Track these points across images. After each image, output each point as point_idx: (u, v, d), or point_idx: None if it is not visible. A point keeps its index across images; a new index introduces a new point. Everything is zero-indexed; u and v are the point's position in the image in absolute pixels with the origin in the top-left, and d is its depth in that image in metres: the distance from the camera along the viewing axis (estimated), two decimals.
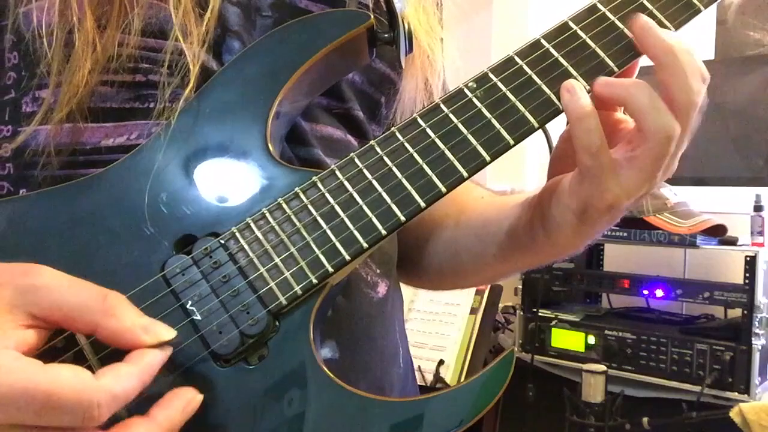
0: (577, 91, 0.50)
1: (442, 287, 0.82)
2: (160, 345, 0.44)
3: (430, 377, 1.74)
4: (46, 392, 0.38)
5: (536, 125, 0.52)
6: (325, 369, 0.49)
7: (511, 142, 0.51)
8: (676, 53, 0.49)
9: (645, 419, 1.62)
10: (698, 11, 0.53)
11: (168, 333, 0.44)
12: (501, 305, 1.97)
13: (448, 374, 1.75)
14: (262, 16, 0.58)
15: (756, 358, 1.58)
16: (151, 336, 0.43)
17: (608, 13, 0.53)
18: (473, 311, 1.85)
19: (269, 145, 0.53)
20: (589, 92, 0.51)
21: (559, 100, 0.51)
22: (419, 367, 1.75)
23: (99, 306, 0.42)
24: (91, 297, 0.42)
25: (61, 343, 0.45)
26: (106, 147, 0.54)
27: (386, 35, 0.59)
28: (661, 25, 0.52)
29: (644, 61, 0.54)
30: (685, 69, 0.49)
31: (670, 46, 0.50)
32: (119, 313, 0.42)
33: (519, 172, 2.10)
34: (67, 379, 0.39)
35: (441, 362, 1.76)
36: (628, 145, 0.51)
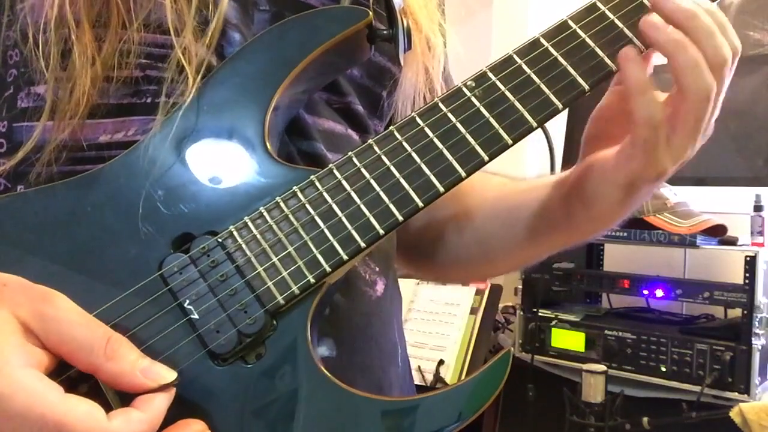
0: (638, 61, 0.51)
1: (473, 276, 0.83)
2: (162, 387, 0.44)
3: (430, 377, 1.73)
4: (59, 422, 0.38)
5: (535, 125, 0.51)
6: (323, 368, 0.49)
7: (510, 141, 0.51)
8: (698, 15, 0.50)
9: (645, 419, 1.62)
10: None
11: (168, 375, 0.44)
12: (501, 305, 1.97)
13: (448, 374, 1.75)
14: (259, 10, 0.58)
15: (756, 358, 1.57)
16: (150, 380, 0.43)
17: (607, 12, 0.53)
18: (473, 311, 1.85)
19: (267, 143, 0.53)
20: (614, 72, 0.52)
21: (558, 99, 0.51)
22: (419, 367, 1.75)
23: (101, 349, 0.42)
24: (95, 338, 0.42)
25: (76, 373, 0.44)
26: (105, 143, 0.53)
27: (385, 32, 0.58)
28: None
29: None
30: (710, 28, 0.50)
31: (690, 9, 0.50)
32: (119, 357, 0.43)
33: (519, 173, 2.09)
34: (82, 414, 0.39)
35: (441, 362, 1.76)
36: (669, 110, 0.51)
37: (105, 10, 0.52)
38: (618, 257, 2.05)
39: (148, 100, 0.54)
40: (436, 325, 1.86)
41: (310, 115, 0.60)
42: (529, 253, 0.69)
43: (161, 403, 0.43)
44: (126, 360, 0.43)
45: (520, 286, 1.91)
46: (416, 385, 0.73)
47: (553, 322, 1.86)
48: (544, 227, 0.64)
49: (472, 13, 2.27)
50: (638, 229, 1.79)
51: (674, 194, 1.80)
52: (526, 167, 2.14)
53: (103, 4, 0.52)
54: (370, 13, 0.55)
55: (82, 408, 0.40)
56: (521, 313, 1.90)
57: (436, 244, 0.73)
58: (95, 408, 0.40)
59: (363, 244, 0.50)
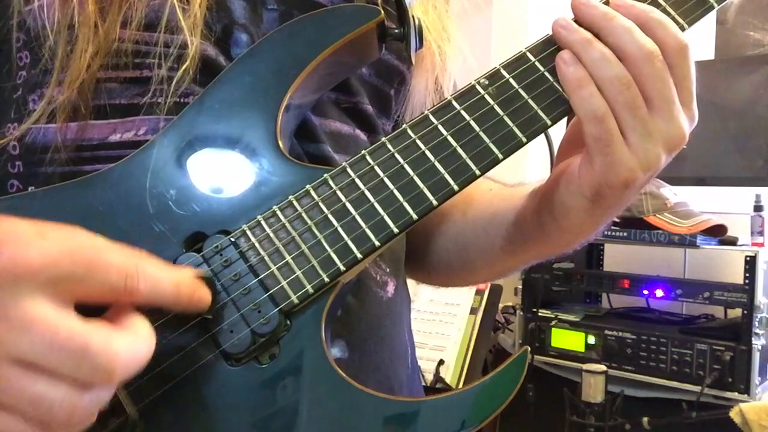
0: (572, 61, 0.50)
1: (454, 283, 0.82)
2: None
3: (430, 377, 1.73)
4: (94, 248, 0.40)
5: (549, 123, 0.51)
6: (337, 368, 0.48)
7: (524, 140, 0.51)
8: (615, 15, 0.51)
9: (645, 419, 1.62)
10: (711, 7, 0.53)
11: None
12: (501, 305, 1.97)
13: (448, 374, 1.75)
14: (267, 9, 0.58)
15: (756, 358, 1.58)
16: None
17: None
18: (473, 311, 1.85)
19: (279, 142, 0.52)
20: None
21: None
22: (419, 367, 1.74)
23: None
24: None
25: None
26: (115, 143, 0.53)
27: (396, 31, 0.58)
28: (675, 21, 0.52)
29: None
30: (628, 25, 0.50)
31: (607, 11, 0.51)
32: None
33: (519, 172, 2.09)
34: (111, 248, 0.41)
35: (441, 362, 1.76)
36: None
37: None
38: (618, 257, 2.05)
39: (159, 100, 0.53)
40: (436, 325, 1.85)
41: (317, 116, 0.59)
42: (506, 263, 0.68)
43: (187, 275, 0.45)
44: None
45: (520, 286, 1.91)
46: None
47: (553, 322, 1.86)
48: (519, 238, 0.63)
49: (472, 13, 2.27)
50: (638, 229, 1.79)
51: (674, 194, 1.80)
52: (526, 167, 2.14)
53: None
54: (382, 11, 0.55)
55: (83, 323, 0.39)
56: (521, 313, 1.91)
57: (419, 246, 0.72)
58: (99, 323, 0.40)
59: (377, 243, 0.49)
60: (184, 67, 0.52)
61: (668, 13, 0.53)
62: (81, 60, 0.51)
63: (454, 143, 0.51)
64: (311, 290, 0.49)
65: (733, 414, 1.48)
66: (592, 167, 0.50)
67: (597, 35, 0.51)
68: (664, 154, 0.51)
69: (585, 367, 1.67)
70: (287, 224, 0.50)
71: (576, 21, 0.52)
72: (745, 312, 1.61)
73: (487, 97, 0.52)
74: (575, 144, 0.55)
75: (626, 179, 0.50)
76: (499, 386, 0.49)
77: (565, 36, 0.51)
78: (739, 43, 2.01)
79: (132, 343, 0.40)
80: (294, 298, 0.48)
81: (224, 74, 0.54)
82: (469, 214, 0.69)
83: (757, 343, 1.59)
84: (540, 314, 1.88)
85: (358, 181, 0.51)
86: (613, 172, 0.50)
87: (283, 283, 0.49)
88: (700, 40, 2.03)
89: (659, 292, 1.76)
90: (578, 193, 0.52)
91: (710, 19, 2.03)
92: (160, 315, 0.47)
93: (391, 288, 0.62)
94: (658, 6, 0.53)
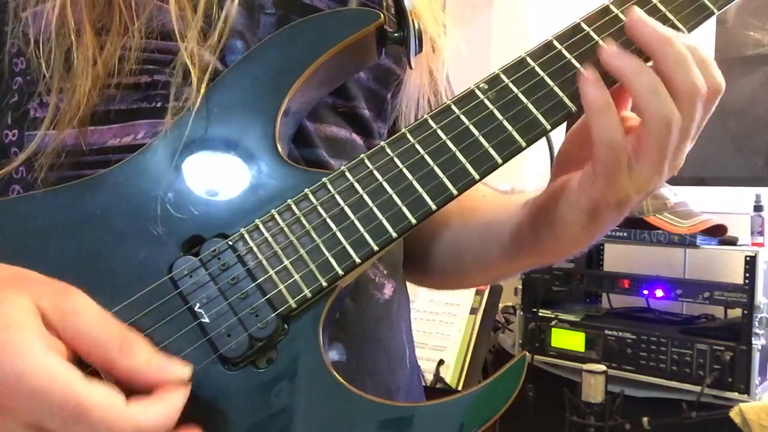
0: (597, 83, 0.50)
1: (447, 286, 0.82)
2: (177, 384, 0.43)
3: (430, 377, 1.73)
4: (79, 404, 0.38)
5: (549, 127, 0.51)
6: (334, 372, 0.48)
7: (523, 144, 0.51)
8: (673, 42, 0.49)
9: (645, 419, 1.62)
10: (711, 13, 0.53)
11: (184, 370, 0.43)
12: (501, 305, 1.97)
13: (448, 374, 1.75)
14: (265, 13, 0.57)
15: (756, 358, 1.58)
16: (165, 376, 0.43)
17: (621, 15, 0.53)
18: (473, 311, 1.84)
19: (278, 146, 0.52)
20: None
21: (572, 102, 0.51)
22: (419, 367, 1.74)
23: (116, 346, 0.42)
24: (111, 335, 0.42)
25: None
26: (113, 147, 0.53)
27: (396, 34, 0.58)
28: (674, 27, 0.52)
29: None
30: (683, 55, 0.49)
31: (666, 36, 0.50)
32: (134, 353, 0.42)
33: (519, 173, 2.09)
34: (101, 398, 0.39)
35: (441, 362, 1.76)
36: (633, 138, 0.50)
37: (107, 11, 0.52)
38: (618, 257, 2.05)
39: (158, 104, 0.53)
40: (436, 325, 1.85)
41: (312, 121, 0.59)
42: (501, 270, 0.69)
43: (178, 398, 0.42)
44: (140, 356, 0.42)
45: (520, 286, 1.91)
46: None
47: (553, 322, 1.86)
48: (515, 248, 0.63)
49: (472, 13, 2.26)
50: (638, 229, 1.79)
51: (674, 194, 1.80)
52: (526, 167, 2.14)
53: (105, 6, 0.52)
54: (381, 15, 0.55)
55: (101, 392, 0.39)
56: (521, 313, 1.91)
57: (415, 249, 0.72)
58: (114, 394, 0.40)
59: (376, 247, 0.49)
60: (182, 73, 0.52)
61: (668, 19, 0.52)
62: (79, 92, 0.51)
63: (453, 147, 0.51)
64: (309, 294, 0.48)
65: (733, 414, 1.48)
66: (593, 185, 0.51)
67: (647, 59, 0.50)
68: (663, 179, 0.51)
69: (585, 367, 1.67)
70: (285, 228, 0.50)
71: (627, 39, 0.51)
72: (745, 312, 1.61)
73: (486, 101, 0.52)
74: (575, 160, 0.55)
75: (620, 200, 0.51)
76: (498, 391, 0.49)
77: (610, 63, 0.50)
78: (739, 43, 2.01)
79: None
80: (292, 303, 0.48)
81: (223, 77, 0.54)
82: (466, 222, 0.69)
83: (757, 343, 1.59)
84: (540, 314, 1.88)
85: (356, 185, 0.51)
86: (611, 193, 0.50)
87: (281, 287, 0.48)
88: (701, 40, 2.02)
89: (659, 292, 1.76)
90: (576, 207, 0.53)
91: (710, 19, 2.03)
92: (154, 321, 0.47)
93: (388, 290, 0.62)
94: (657, 11, 0.52)
